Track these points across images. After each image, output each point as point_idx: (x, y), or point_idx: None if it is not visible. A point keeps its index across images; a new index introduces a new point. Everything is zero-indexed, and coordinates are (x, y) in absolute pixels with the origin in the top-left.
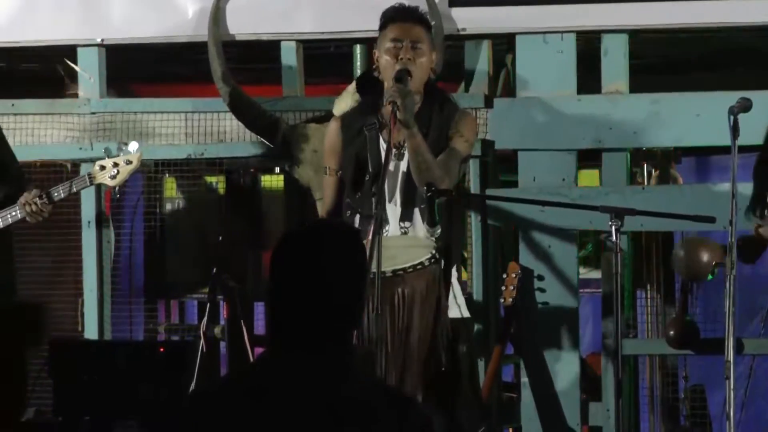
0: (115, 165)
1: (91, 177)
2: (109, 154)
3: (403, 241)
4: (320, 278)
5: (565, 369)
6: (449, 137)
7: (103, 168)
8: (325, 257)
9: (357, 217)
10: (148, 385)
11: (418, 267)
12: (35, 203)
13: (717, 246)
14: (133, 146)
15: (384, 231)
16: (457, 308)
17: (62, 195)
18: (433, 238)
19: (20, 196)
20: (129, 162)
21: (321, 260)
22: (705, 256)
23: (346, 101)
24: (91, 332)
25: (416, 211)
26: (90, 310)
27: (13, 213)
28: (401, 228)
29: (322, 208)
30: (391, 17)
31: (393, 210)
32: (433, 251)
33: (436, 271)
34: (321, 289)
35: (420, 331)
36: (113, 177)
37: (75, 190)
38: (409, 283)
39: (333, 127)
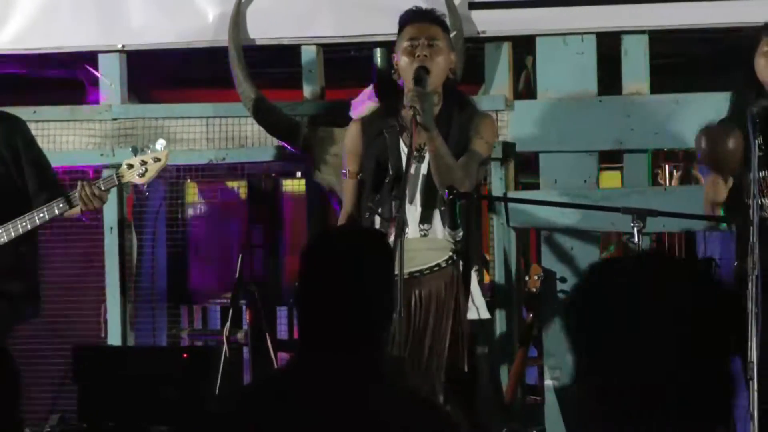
0: (143, 163)
1: (119, 176)
2: (135, 152)
3: (422, 243)
4: (356, 280)
5: None
6: (469, 139)
7: (131, 166)
8: (360, 260)
9: (376, 220)
10: (171, 391)
11: (435, 269)
12: (91, 186)
13: (739, 133)
14: (160, 144)
15: (405, 233)
16: (475, 310)
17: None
18: (453, 240)
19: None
20: (157, 159)
21: (357, 262)
22: (731, 143)
23: (362, 103)
24: (114, 338)
25: (436, 213)
26: (113, 315)
27: (60, 205)
28: (421, 230)
29: (342, 212)
30: (407, 19)
31: (413, 212)
32: (451, 252)
33: (454, 272)
34: (356, 292)
35: (437, 332)
36: (141, 174)
37: (104, 189)
38: (426, 285)
39: (353, 130)
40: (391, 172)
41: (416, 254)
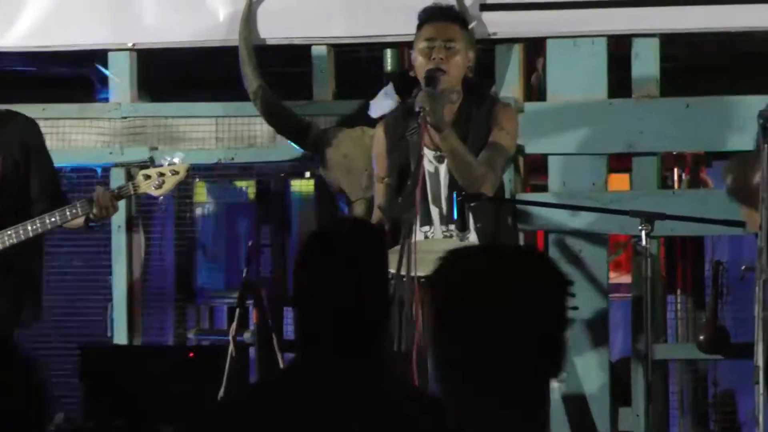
0: (161, 175)
1: (135, 185)
2: (153, 163)
3: (449, 244)
4: (351, 279)
5: (595, 374)
6: (490, 133)
7: (147, 177)
8: (354, 258)
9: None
10: (178, 390)
11: None
12: (109, 194)
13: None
14: (179, 156)
15: (429, 233)
16: None
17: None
18: (468, 241)
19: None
20: (175, 172)
21: (351, 260)
22: (758, 177)
23: (381, 102)
24: (120, 337)
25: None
26: (120, 315)
27: (74, 210)
28: (446, 231)
29: (373, 216)
30: (426, 17)
31: (437, 213)
32: None
33: None
34: (353, 292)
35: None
36: (158, 186)
37: (118, 198)
38: None
39: (379, 134)
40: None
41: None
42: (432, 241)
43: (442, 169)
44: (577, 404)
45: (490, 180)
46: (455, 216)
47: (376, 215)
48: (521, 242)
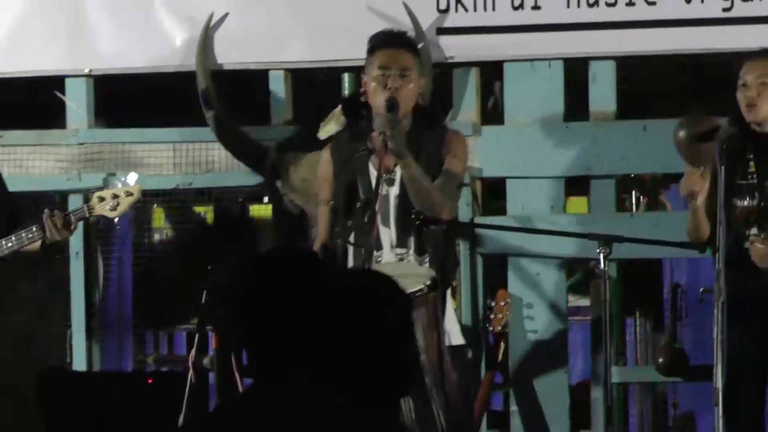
0: (115, 196)
1: (90, 208)
2: (107, 185)
3: (400, 268)
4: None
5: (554, 396)
6: (442, 159)
7: (102, 199)
8: (298, 286)
9: (349, 248)
10: (137, 416)
11: (418, 294)
12: (60, 217)
13: (717, 122)
14: (132, 177)
15: (379, 258)
16: (447, 336)
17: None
18: (425, 266)
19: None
20: (129, 194)
21: (293, 289)
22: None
23: (331, 125)
24: (79, 363)
25: (412, 236)
26: (78, 341)
27: (29, 235)
28: (397, 254)
29: (316, 240)
30: (379, 43)
31: (387, 235)
32: (432, 278)
33: (436, 298)
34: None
35: (432, 359)
36: (113, 208)
37: (73, 221)
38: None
39: (325, 158)
40: (362, 197)
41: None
42: (383, 265)
43: (392, 192)
44: (536, 427)
45: (447, 207)
46: (415, 242)
47: (321, 238)
48: (479, 265)
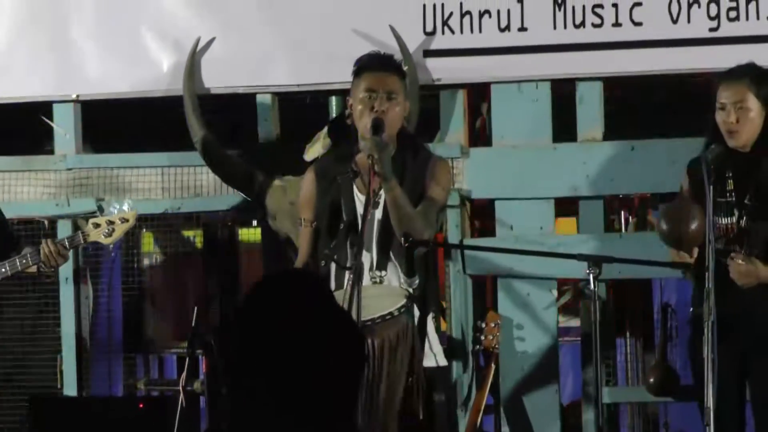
0: (110, 223)
1: (84, 235)
2: (101, 211)
3: (375, 290)
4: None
5: (545, 418)
6: (425, 186)
7: (97, 226)
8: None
9: (332, 267)
10: None
11: (387, 317)
12: (55, 244)
13: (700, 211)
14: (127, 204)
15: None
16: (433, 357)
17: (68, 247)
18: (410, 288)
19: (12, 255)
20: (125, 220)
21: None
22: (693, 224)
23: (316, 147)
24: (70, 388)
25: (390, 260)
26: (69, 366)
27: (23, 261)
28: (374, 277)
29: (298, 260)
30: (366, 66)
31: (367, 258)
32: (405, 300)
33: (407, 320)
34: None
35: (391, 382)
36: (108, 235)
37: (68, 247)
38: (378, 334)
39: (308, 178)
40: (345, 219)
41: (369, 302)
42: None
43: (376, 215)
44: None
45: (426, 234)
46: (405, 264)
47: (302, 258)
48: (469, 286)
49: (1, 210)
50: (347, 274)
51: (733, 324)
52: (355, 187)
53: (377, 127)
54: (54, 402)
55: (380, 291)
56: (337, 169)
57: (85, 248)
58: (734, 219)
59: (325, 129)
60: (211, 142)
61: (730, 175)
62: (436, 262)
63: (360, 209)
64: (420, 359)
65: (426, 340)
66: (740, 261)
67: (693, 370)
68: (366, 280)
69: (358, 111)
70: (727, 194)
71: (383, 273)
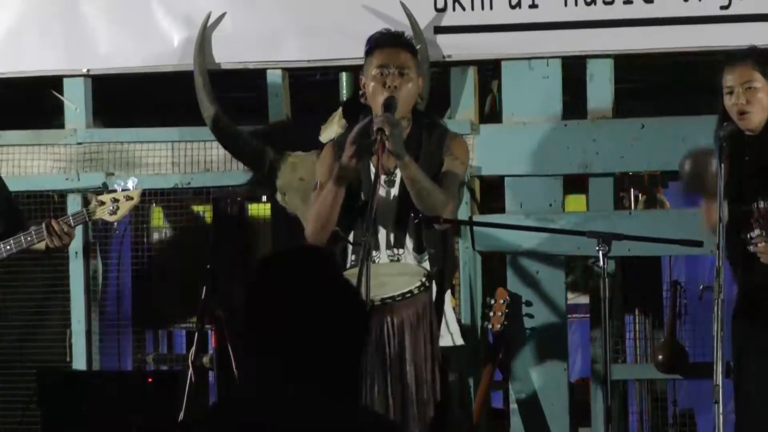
0: (115, 200)
1: (89, 212)
2: (106, 187)
3: (393, 268)
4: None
5: (554, 394)
6: (442, 161)
7: (102, 203)
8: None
9: (349, 248)
10: (136, 416)
11: (407, 296)
12: (59, 223)
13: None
14: (132, 181)
15: (376, 257)
16: (449, 336)
17: (72, 225)
18: (424, 265)
19: (18, 233)
20: (129, 198)
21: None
22: (715, 166)
23: (333, 127)
24: (79, 363)
25: (408, 237)
26: (78, 340)
27: (29, 238)
28: (392, 255)
29: (311, 229)
30: (377, 43)
31: (384, 237)
32: (423, 279)
33: (426, 298)
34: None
35: (418, 361)
36: (113, 212)
37: (73, 225)
38: (398, 312)
39: (327, 153)
40: (363, 197)
41: (388, 280)
42: (377, 265)
43: (392, 193)
44: (536, 425)
45: (451, 207)
46: (414, 240)
47: (315, 228)
48: (478, 263)
49: (7, 186)
50: (371, 251)
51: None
52: (371, 165)
53: (389, 105)
54: (63, 375)
55: (399, 269)
56: None
57: (95, 223)
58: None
59: (340, 110)
60: (221, 118)
61: (747, 159)
62: (453, 239)
63: (379, 189)
64: (435, 338)
65: (443, 318)
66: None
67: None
68: (383, 257)
69: (371, 89)
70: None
71: (401, 251)
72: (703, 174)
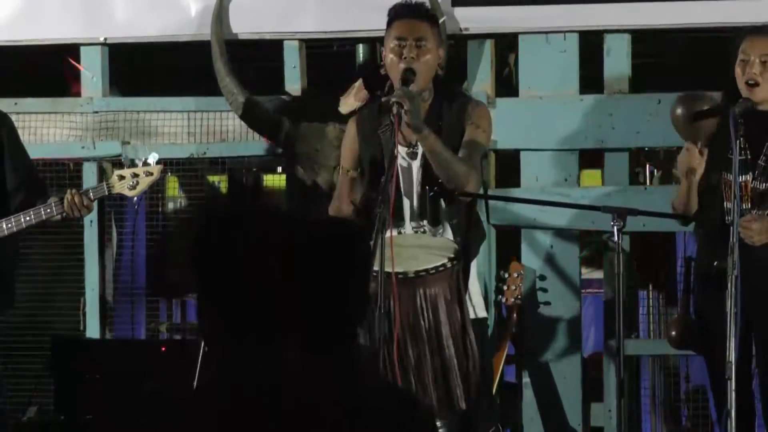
0: (135, 175)
1: (109, 186)
2: (125, 157)
3: (422, 240)
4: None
5: (567, 369)
6: (464, 130)
7: (122, 178)
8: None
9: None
10: (149, 384)
11: (441, 269)
12: (80, 195)
13: (713, 101)
14: (153, 157)
15: (401, 229)
16: (471, 309)
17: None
18: (451, 238)
19: (38, 203)
20: (149, 174)
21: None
22: (705, 108)
23: (351, 99)
24: (92, 331)
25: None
26: (92, 308)
27: (48, 210)
28: (416, 226)
29: (331, 207)
30: (396, 14)
31: (408, 208)
32: (454, 253)
33: (459, 272)
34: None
35: (451, 333)
36: (132, 187)
37: (93, 198)
38: (431, 285)
39: (351, 127)
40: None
41: (418, 252)
42: (403, 236)
43: (415, 165)
44: (549, 399)
45: (473, 177)
46: (430, 213)
47: (334, 206)
48: (493, 237)
49: (29, 155)
50: (389, 223)
51: (740, 279)
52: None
53: (406, 79)
54: (76, 344)
55: (427, 241)
56: (376, 123)
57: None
58: (749, 177)
59: (360, 81)
60: (239, 90)
61: (744, 133)
62: (476, 210)
63: (401, 162)
64: (466, 311)
65: (467, 291)
66: (754, 221)
67: (700, 323)
68: (408, 228)
69: (389, 60)
70: (741, 152)
71: (424, 222)
72: (690, 115)
